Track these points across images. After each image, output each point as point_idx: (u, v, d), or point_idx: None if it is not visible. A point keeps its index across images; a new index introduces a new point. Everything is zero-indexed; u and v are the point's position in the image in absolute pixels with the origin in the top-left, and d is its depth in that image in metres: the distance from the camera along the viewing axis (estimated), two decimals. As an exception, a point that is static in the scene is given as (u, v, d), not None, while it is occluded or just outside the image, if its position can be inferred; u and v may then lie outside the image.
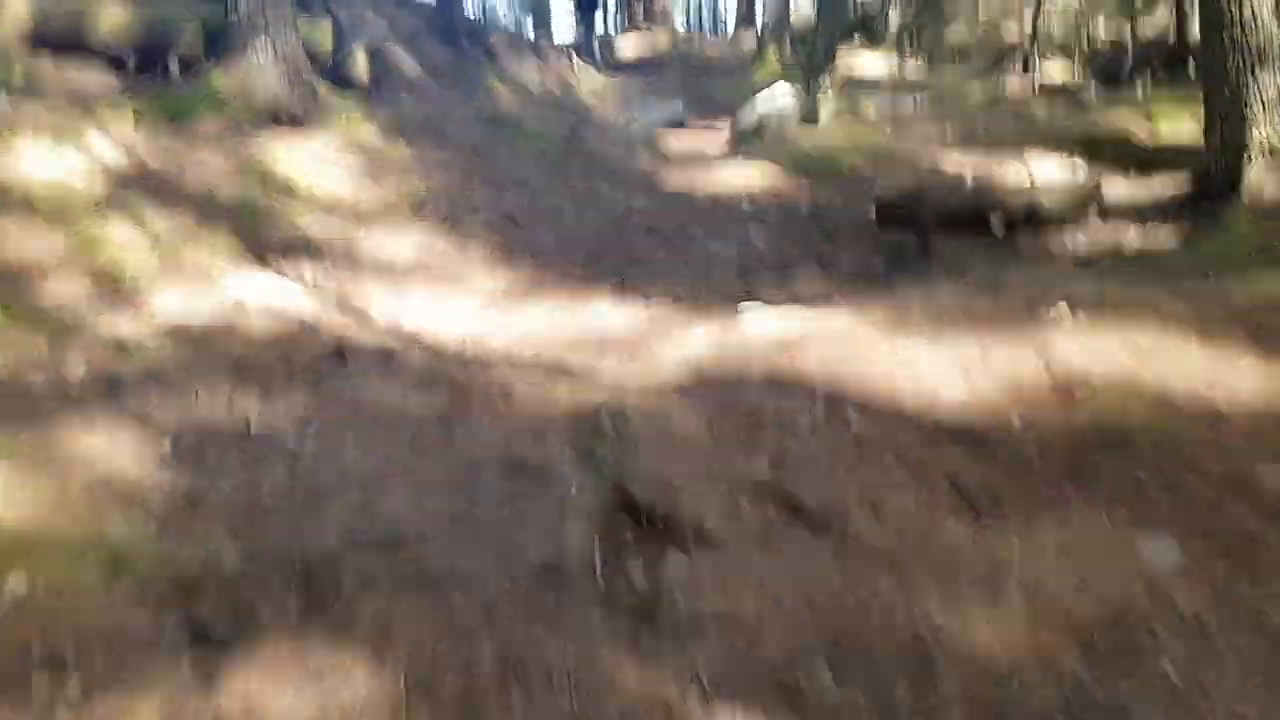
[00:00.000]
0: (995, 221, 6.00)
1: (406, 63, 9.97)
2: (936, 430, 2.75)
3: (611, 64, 20.74)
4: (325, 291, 4.95)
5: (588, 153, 8.37)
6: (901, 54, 16.79)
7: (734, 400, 3.13)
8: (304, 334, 4.29)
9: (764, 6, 16.24)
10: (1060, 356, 2.95)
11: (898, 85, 14.18)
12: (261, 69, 6.59)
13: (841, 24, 10.96)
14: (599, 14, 28.24)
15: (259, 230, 5.39)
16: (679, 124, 10.54)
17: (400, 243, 5.72)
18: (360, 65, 7.76)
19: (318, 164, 6.46)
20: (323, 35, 7.50)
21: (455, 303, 4.95)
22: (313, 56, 7.22)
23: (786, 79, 14.90)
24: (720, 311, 4.63)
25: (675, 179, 7.72)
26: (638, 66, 20.16)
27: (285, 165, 6.21)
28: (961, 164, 7.63)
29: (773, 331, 3.64)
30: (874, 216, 6.39)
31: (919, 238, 5.93)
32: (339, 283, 5.12)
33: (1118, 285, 3.89)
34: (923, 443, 2.70)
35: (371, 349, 4.22)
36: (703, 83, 15.52)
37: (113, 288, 4.49)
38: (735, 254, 5.78)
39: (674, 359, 3.83)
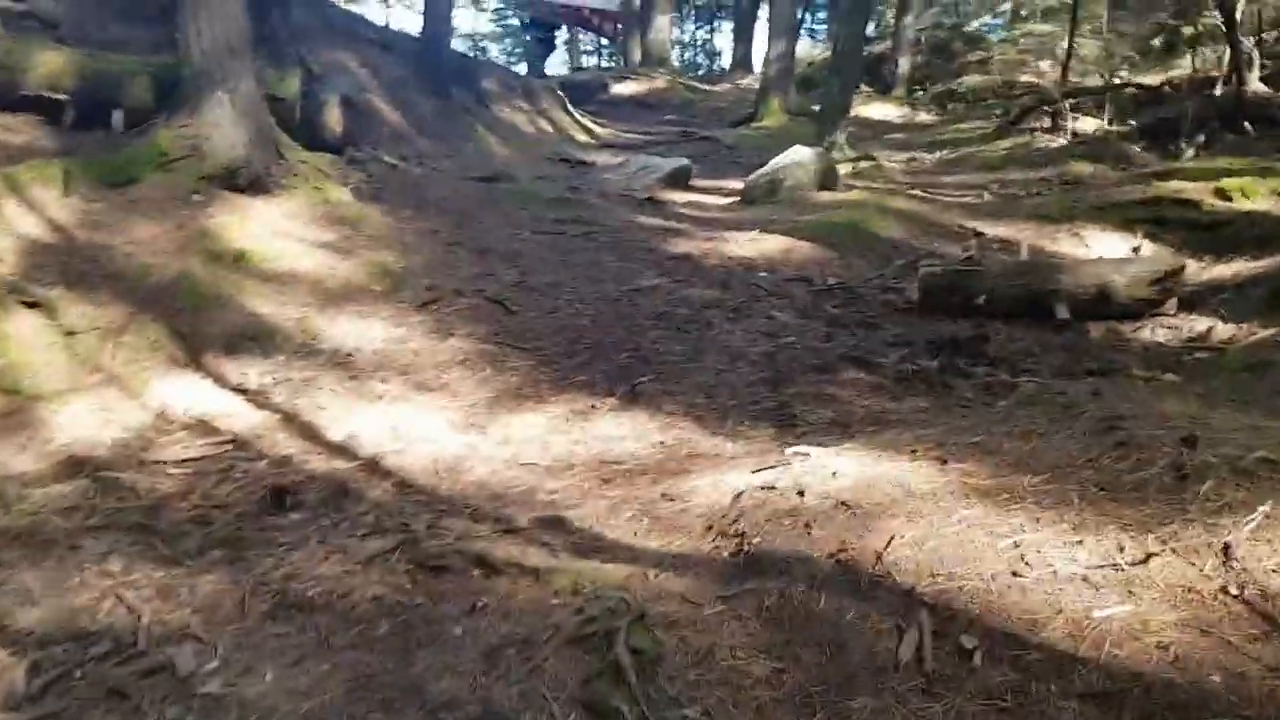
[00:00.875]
0: (1060, 309, 5.27)
1: (387, 114, 9.30)
2: (1105, 680, 1.95)
3: (607, 107, 20.26)
4: (271, 400, 4.15)
5: (587, 216, 7.65)
6: (913, 103, 16.31)
7: (800, 608, 2.34)
8: (236, 468, 3.48)
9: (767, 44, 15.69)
10: (1249, 566, 2.17)
11: (915, 138, 13.63)
12: (218, 125, 5.85)
13: (858, 70, 10.35)
14: (560, 54, 27.96)
15: (199, 320, 4.60)
16: (684, 179, 9.85)
17: (368, 332, 4.93)
18: (333, 119, 7.06)
19: (277, 235, 5.70)
20: (290, 87, 6.78)
21: (430, 414, 4.15)
22: (279, 111, 6.50)
23: (794, 127, 14.37)
24: (753, 436, 3.86)
25: (685, 246, 6.99)
26: (635, 111, 19.64)
27: (239, 237, 5.44)
28: (1006, 235, 6.95)
29: (834, 488, 2.85)
30: (916, 298, 5.66)
31: (974, 328, 5.18)
32: (291, 387, 4.33)
33: (1264, 416, 3.13)
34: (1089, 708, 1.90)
35: (319, 485, 3.41)
36: (706, 130, 14.93)
37: (4, 404, 3.69)
38: (761, 349, 5.01)
39: (705, 511, 3.04)
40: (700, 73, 31.39)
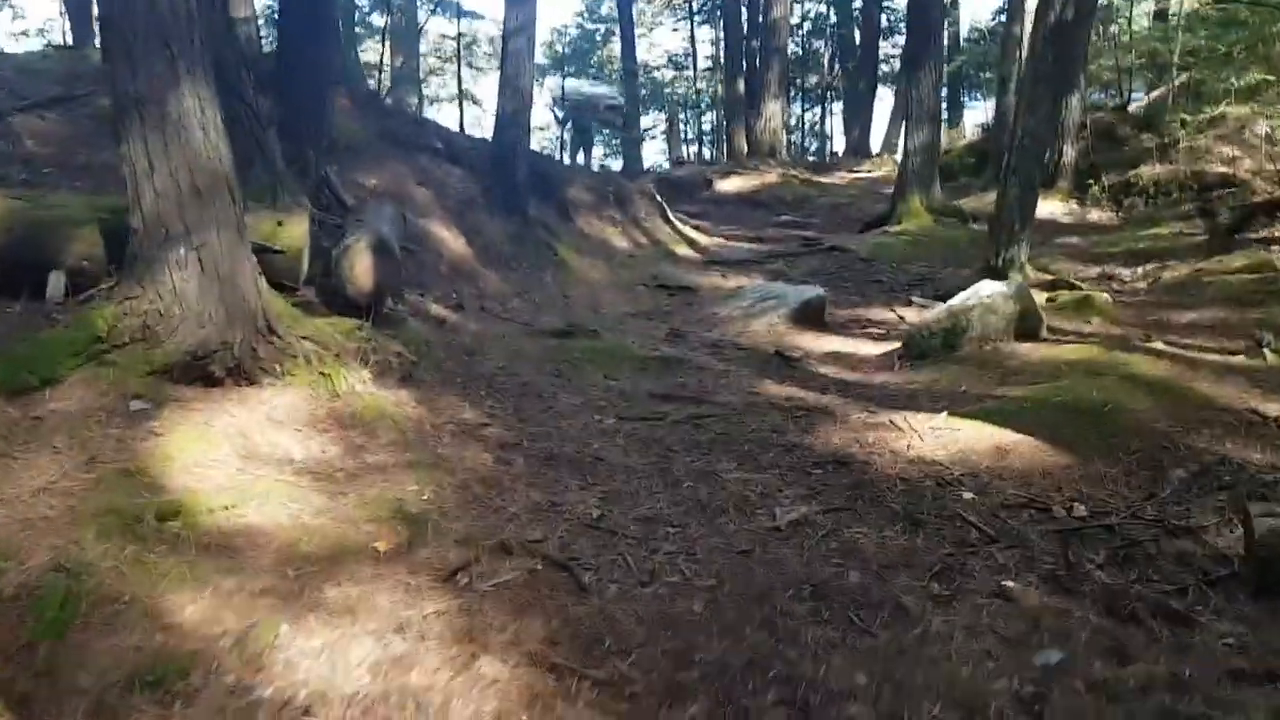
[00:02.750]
0: None
1: (449, 243, 7.81)
2: None
3: (711, 207, 18.74)
4: None
5: (694, 385, 5.83)
6: (1081, 198, 14.13)
7: None
8: None
9: (905, 126, 13.86)
10: None
11: (1098, 245, 11.45)
12: (179, 295, 4.32)
13: (1040, 168, 8.36)
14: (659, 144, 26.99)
15: (63, 659, 2.89)
16: (817, 314, 7.98)
17: (348, 655, 3.13)
18: (360, 270, 5.51)
19: (250, 458, 4.05)
20: (292, 233, 5.21)
21: None
22: (275, 267, 4.97)
23: (940, 231, 12.31)
24: None
25: (838, 439, 5.04)
26: (744, 210, 18.02)
27: (183, 472, 3.81)
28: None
29: None
30: (1248, 565, 3.54)
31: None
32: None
33: None
34: None
35: None
36: (831, 237, 13.10)
37: None
38: (1004, 684, 2.97)
39: None
40: (811, 158, 29.90)
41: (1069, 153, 14.07)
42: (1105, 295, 7.28)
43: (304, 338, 4.80)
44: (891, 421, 5.16)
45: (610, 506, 4.23)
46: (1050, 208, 13.84)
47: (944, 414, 5.11)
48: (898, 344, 6.92)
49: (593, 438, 5.01)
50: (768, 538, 4.01)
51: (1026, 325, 6.27)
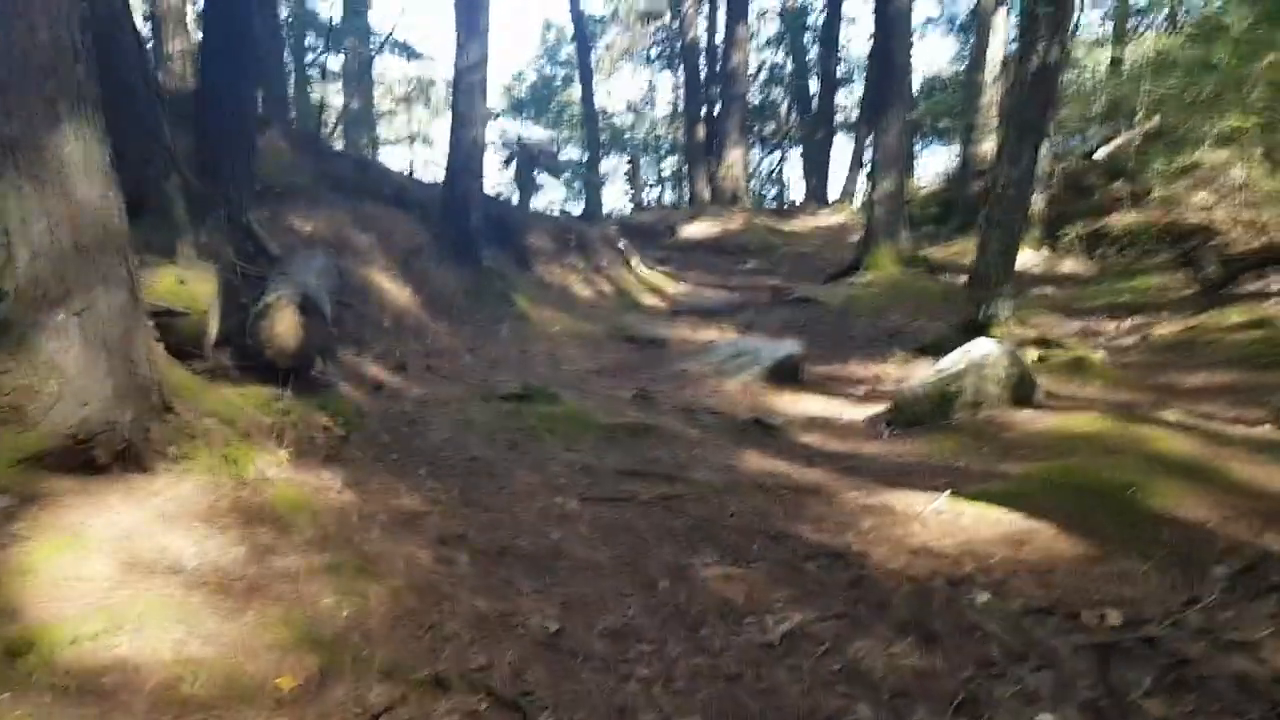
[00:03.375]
0: None
1: (394, 295, 7.17)
2: None
3: (677, 253, 18.30)
4: None
5: (667, 459, 5.22)
6: (1053, 247, 13.89)
7: None
8: None
9: (871, 174, 13.60)
10: None
11: (1075, 298, 11.12)
12: (56, 368, 3.63)
13: (1023, 219, 7.98)
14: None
15: None
16: (793, 372, 7.46)
17: None
18: (283, 330, 4.84)
19: (132, 568, 3.35)
20: (196, 293, 4.47)
21: None
22: (177, 331, 4.28)
23: (909, 281, 11.93)
24: None
25: (831, 527, 4.45)
26: (709, 257, 17.58)
27: (46, 587, 3.10)
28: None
29: None
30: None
31: None
32: None
33: None
34: None
35: None
36: (800, 287, 12.66)
37: None
38: None
39: None
40: (771, 204, 29.77)
41: (1038, 201, 13.82)
42: (1101, 355, 6.85)
43: (208, 414, 4.11)
44: (888, 504, 4.59)
45: (572, 617, 3.59)
46: (1022, 258, 13.47)
47: (946, 495, 4.55)
48: (882, 407, 6.39)
49: (552, 525, 4.36)
50: (760, 656, 3.39)
51: (1022, 390, 5.78)
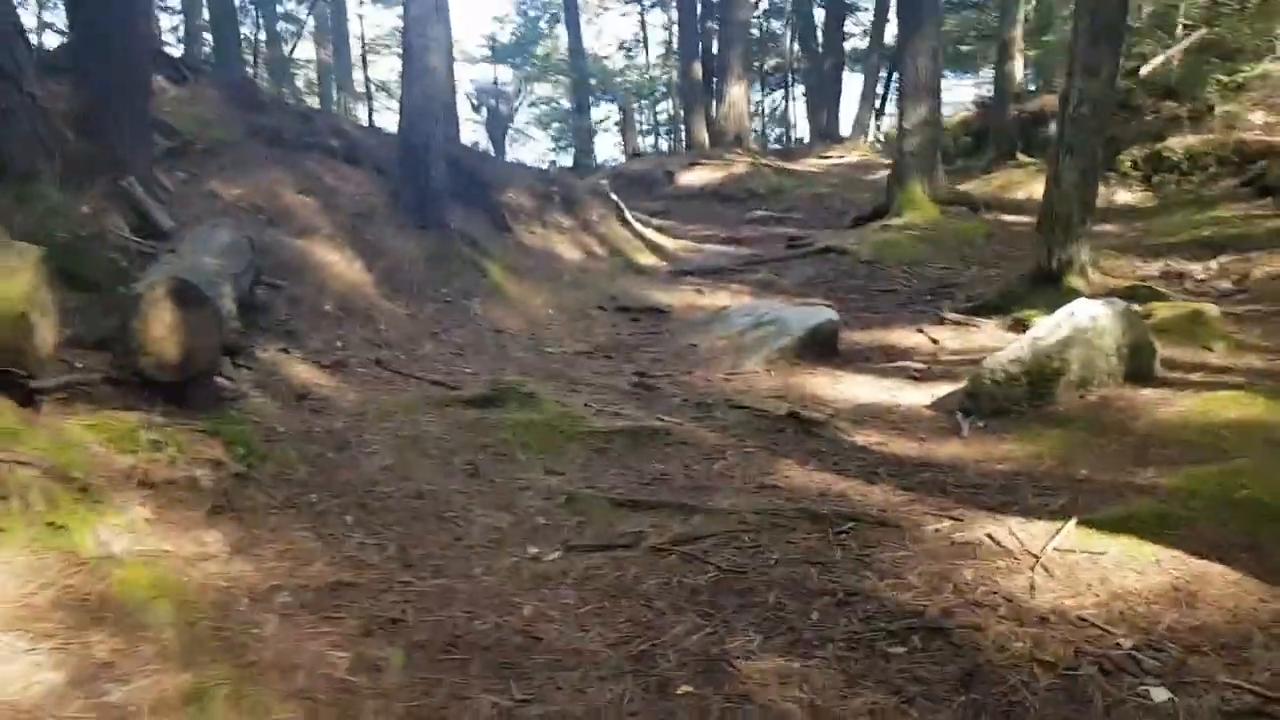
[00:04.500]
0: None
1: (339, 270, 5.95)
2: None
3: (676, 203, 16.97)
4: None
5: (679, 477, 4.01)
6: (1105, 177, 12.52)
7: None
8: None
9: (899, 101, 12.29)
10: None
11: (1140, 232, 9.83)
12: None
13: (1100, 144, 6.66)
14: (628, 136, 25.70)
15: None
16: (829, 344, 6.24)
17: None
18: (158, 332, 3.62)
19: None
20: (6, 286, 3.14)
21: None
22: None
23: (951, 224, 10.57)
24: None
25: (918, 575, 3.25)
26: (713, 206, 16.24)
27: None
28: None
29: None
30: None
31: None
32: None
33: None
34: None
35: None
36: (820, 235, 11.35)
37: None
38: None
39: None
40: (776, 145, 28.25)
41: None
42: (1214, 309, 5.62)
43: (28, 461, 2.92)
44: (992, 538, 3.39)
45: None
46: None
47: (1072, 523, 3.36)
48: (950, 387, 5.18)
49: (524, 593, 3.19)
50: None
51: (1140, 361, 4.56)
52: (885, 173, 13.61)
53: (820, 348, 6.21)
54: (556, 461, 4.11)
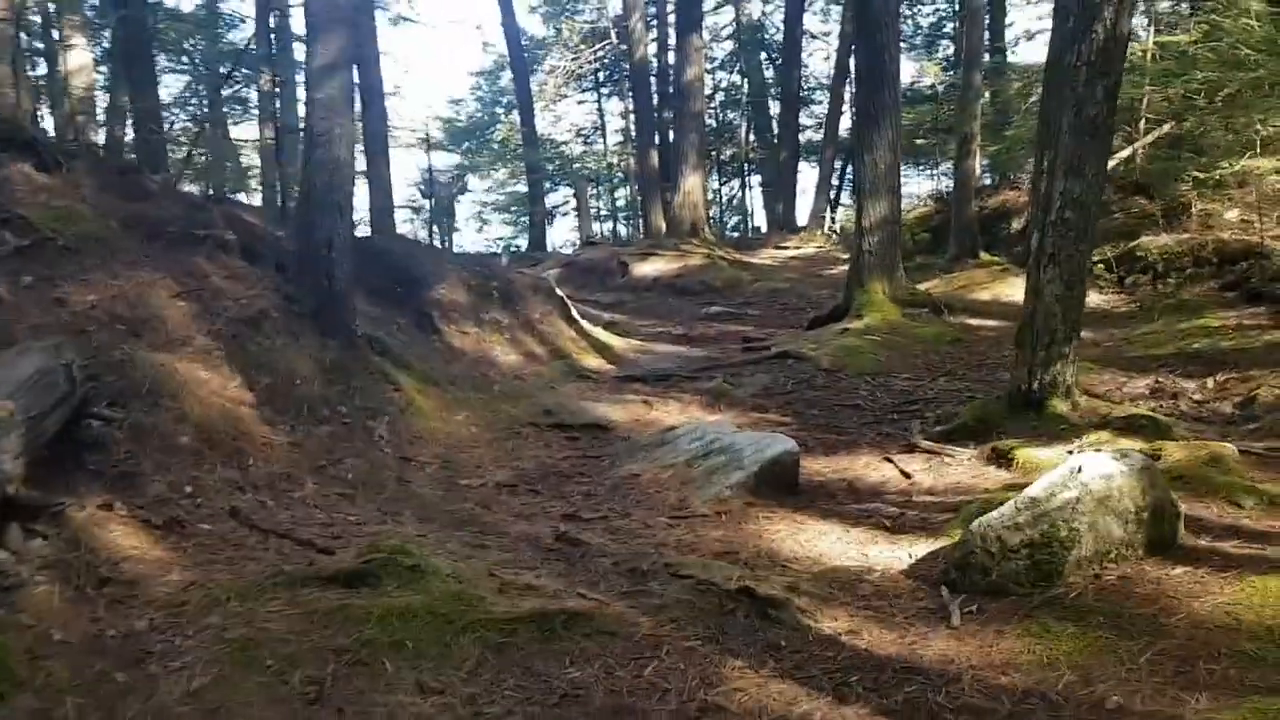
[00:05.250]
0: None
1: (215, 390, 5.01)
2: None
3: (629, 295, 16.29)
4: None
5: (601, 698, 3.07)
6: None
7: None
8: None
9: (858, 198, 11.77)
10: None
11: (1118, 342, 9.24)
12: None
13: (1090, 250, 6.01)
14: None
15: None
16: (788, 480, 5.40)
17: None
18: None
19: None
20: None
21: None
22: None
23: (911, 327, 9.86)
24: None
25: None
26: (667, 299, 15.53)
27: None
28: None
29: None
30: None
31: None
32: None
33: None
34: None
35: None
36: (776, 337, 10.62)
37: None
38: None
39: None
40: (733, 235, 27.93)
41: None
42: (1232, 449, 4.88)
43: None
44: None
45: None
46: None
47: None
48: (930, 543, 4.33)
49: None
50: None
51: (1162, 529, 3.74)
52: (843, 268, 13.02)
53: (778, 483, 5.35)
54: (438, 670, 3.14)
